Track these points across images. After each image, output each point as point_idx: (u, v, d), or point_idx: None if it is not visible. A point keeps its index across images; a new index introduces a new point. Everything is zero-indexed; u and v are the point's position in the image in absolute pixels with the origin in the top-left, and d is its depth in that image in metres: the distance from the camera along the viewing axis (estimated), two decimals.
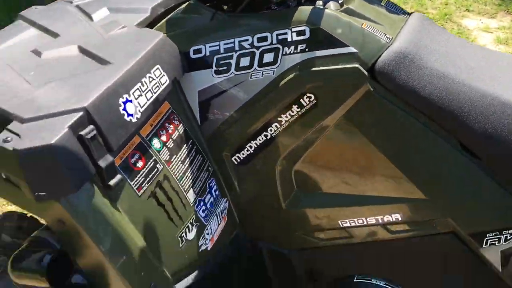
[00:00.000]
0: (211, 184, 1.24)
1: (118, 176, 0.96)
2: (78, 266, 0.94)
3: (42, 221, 1.51)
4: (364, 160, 1.13)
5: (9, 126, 0.89)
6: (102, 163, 0.92)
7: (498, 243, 1.07)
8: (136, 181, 1.03)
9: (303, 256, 1.30)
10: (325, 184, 1.19)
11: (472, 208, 1.08)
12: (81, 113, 0.91)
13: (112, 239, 0.93)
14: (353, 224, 1.19)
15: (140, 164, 1.05)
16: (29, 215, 1.36)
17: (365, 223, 1.17)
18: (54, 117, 0.90)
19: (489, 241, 1.07)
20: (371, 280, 1.23)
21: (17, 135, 0.87)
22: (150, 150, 1.08)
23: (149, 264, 0.99)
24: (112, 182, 0.94)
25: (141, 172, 1.05)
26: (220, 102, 1.22)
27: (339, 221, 1.20)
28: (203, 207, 1.20)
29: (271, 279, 1.36)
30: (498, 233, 1.06)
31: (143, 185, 1.05)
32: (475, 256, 1.10)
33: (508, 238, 1.06)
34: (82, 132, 0.90)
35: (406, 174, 1.09)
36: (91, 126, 0.92)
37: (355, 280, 1.26)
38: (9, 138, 0.87)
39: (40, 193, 0.85)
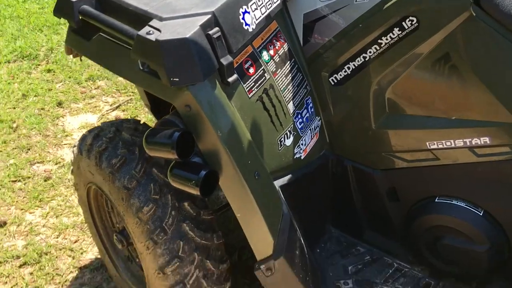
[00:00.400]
0: (308, 101, 1.35)
1: (235, 76, 1.09)
2: (198, 148, 1.09)
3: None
4: (458, 84, 1.18)
5: (150, 23, 1.04)
6: (224, 61, 1.05)
7: None
8: (247, 84, 1.17)
9: (387, 176, 1.39)
10: (416, 107, 1.26)
11: None
12: (209, 16, 1.04)
13: (227, 127, 1.07)
14: (440, 146, 1.26)
15: (251, 70, 1.18)
16: (142, 121, 1.54)
17: (452, 145, 1.24)
18: (187, 18, 1.04)
19: None
20: (452, 201, 1.31)
21: (158, 30, 1.02)
22: (260, 60, 1.20)
23: (255, 155, 1.13)
24: (230, 79, 1.07)
25: (252, 78, 1.18)
26: (322, 27, 1.31)
27: (427, 143, 1.27)
28: (300, 120, 1.32)
29: (353, 195, 1.46)
30: None
31: (253, 89, 1.18)
32: None
33: None
34: (210, 32, 1.03)
35: (500, 99, 1.14)
36: (217, 28, 1.05)
37: (436, 201, 1.34)
38: (151, 32, 1.02)
39: (174, 79, 1.00)
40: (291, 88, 1.29)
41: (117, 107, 2.78)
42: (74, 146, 1.58)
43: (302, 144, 1.33)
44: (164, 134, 1.07)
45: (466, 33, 1.13)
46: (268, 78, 1.22)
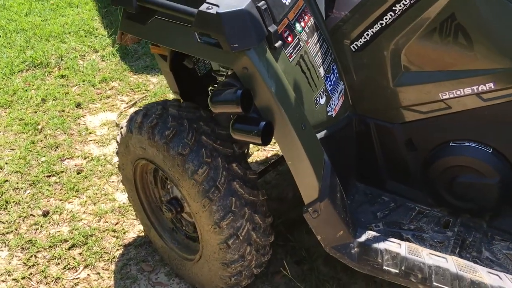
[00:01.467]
0: (333, 67, 1.55)
1: (280, 42, 1.29)
2: (254, 106, 1.28)
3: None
4: (463, 39, 1.39)
5: (208, 0, 1.23)
6: (271, 29, 1.25)
7: None
8: (287, 50, 1.36)
9: (405, 129, 1.60)
10: (428, 63, 1.47)
11: None
12: None
13: (278, 85, 1.26)
14: (451, 96, 1.47)
15: (289, 39, 1.38)
16: (183, 102, 1.73)
17: (462, 93, 1.45)
18: None
19: None
20: (464, 143, 1.52)
21: (216, 5, 1.21)
22: (295, 30, 1.40)
23: (301, 109, 1.33)
24: (276, 45, 1.27)
25: (291, 45, 1.37)
26: (340, 3, 1.52)
27: (439, 94, 1.48)
28: (329, 83, 1.52)
29: (375, 150, 1.66)
30: None
31: (292, 54, 1.37)
32: None
33: None
34: (259, 4, 1.23)
35: (501, 48, 1.35)
36: (263, 1, 1.24)
37: (450, 145, 1.55)
38: (210, 7, 1.21)
39: (234, 44, 1.19)
40: (320, 55, 1.49)
41: (133, 104, 2.95)
42: (121, 128, 1.75)
43: (332, 104, 1.53)
44: (229, 92, 1.26)
45: None
46: (303, 46, 1.42)
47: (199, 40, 1.29)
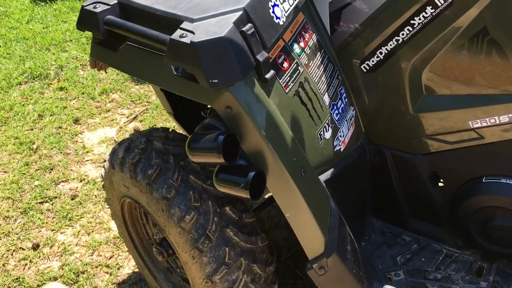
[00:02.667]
0: (341, 91, 1.32)
1: (272, 71, 1.06)
2: (242, 151, 1.06)
3: (183, 133, 1.67)
4: (498, 58, 1.15)
5: (181, 26, 1.01)
6: (260, 57, 1.02)
7: None
8: (283, 79, 1.13)
9: (428, 160, 1.35)
10: (455, 86, 1.23)
11: None
12: (241, 12, 1.01)
13: (269, 125, 1.04)
14: (484, 124, 1.22)
15: (285, 65, 1.15)
16: (171, 129, 1.52)
17: (497, 122, 1.20)
18: (219, 16, 1.01)
19: None
20: (500, 180, 1.27)
21: (191, 32, 0.99)
22: (292, 54, 1.17)
23: (299, 152, 1.10)
24: (267, 76, 1.04)
25: (287, 72, 1.15)
26: (348, 14, 1.28)
27: (470, 122, 1.24)
28: (336, 111, 1.29)
29: (393, 183, 1.43)
30: None
31: (289, 84, 1.14)
32: None
33: None
34: (244, 28, 1.00)
35: None
36: (250, 24, 1.02)
37: (483, 181, 1.30)
38: (184, 34, 0.99)
39: (213, 80, 0.97)
40: (324, 79, 1.25)
41: (134, 118, 2.76)
42: (105, 161, 1.56)
43: (340, 136, 1.30)
44: (208, 139, 1.04)
45: (502, 6, 1.09)
46: (302, 72, 1.19)
47: (174, 72, 1.07)
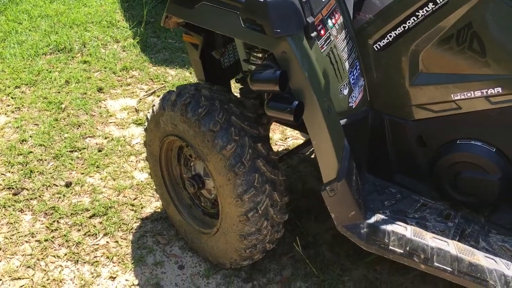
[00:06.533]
0: (356, 63, 1.70)
1: (315, 32, 1.44)
2: (289, 87, 1.43)
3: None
4: (477, 46, 1.55)
5: None
6: (309, 20, 1.40)
7: None
8: (320, 42, 1.51)
9: (417, 125, 1.74)
10: (444, 66, 1.62)
11: None
12: None
13: (311, 70, 1.41)
14: (462, 97, 1.62)
15: (322, 32, 1.52)
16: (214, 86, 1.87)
17: (472, 95, 1.60)
18: None
19: None
20: (471, 142, 1.67)
21: None
22: (327, 25, 1.55)
23: (328, 94, 1.47)
24: (312, 34, 1.42)
25: (323, 38, 1.52)
26: (368, 4, 1.67)
27: (452, 95, 1.63)
28: (352, 77, 1.67)
29: (387, 144, 1.81)
30: None
31: (323, 46, 1.52)
32: None
33: None
34: None
35: (508, 57, 1.51)
36: None
37: (457, 143, 1.69)
38: None
39: (277, 30, 1.34)
40: (346, 50, 1.64)
41: (152, 93, 3.08)
42: (153, 106, 1.89)
43: (353, 96, 1.68)
44: (268, 72, 1.40)
45: (484, 6, 1.50)
46: (332, 40, 1.57)
47: (243, 25, 1.43)
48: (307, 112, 1.44)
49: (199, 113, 1.68)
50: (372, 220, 1.65)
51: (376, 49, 1.69)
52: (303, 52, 1.40)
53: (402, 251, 1.56)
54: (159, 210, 2.25)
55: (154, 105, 1.89)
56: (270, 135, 2.74)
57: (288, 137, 2.76)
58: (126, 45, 3.61)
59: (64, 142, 2.62)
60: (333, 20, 1.59)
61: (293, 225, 2.17)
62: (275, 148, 2.70)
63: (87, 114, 2.86)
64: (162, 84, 3.19)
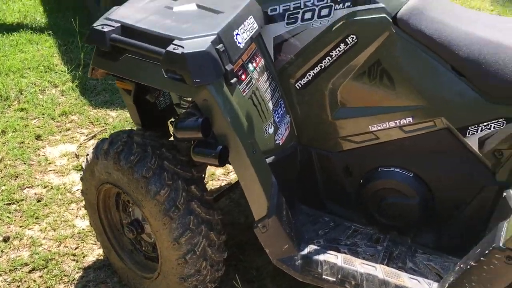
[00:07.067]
0: (280, 102, 1.80)
1: (235, 79, 1.52)
2: (212, 132, 1.49)
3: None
4: (387, 81, 1.67)
5: (174, 42, 1.45)
6: (228, 67, 1.48)
7: (476, 132, 1.61)
8: (241, 86, 1.59)
9: (342, 156, 1.84)
10: (360, 100, 1.74)
11: (459, 110, 1.62)
12: (216, 36, 1.47)
13: (232, 114, 1.48)
14: (378, 128, 1.74)
15: (243, 76, 1.61)
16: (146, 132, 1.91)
17: (387, 126, 1.72)
18: (201, 38, 1.47)
19: (470, 131, 1.62)
20: (390, 169, 1.78)
21: (181, 46, 1.43)
22: (247, 70, 1.64)
23: (252, 136, 1.54)
24: (232, 81, 1.50)
25: (244, 82, 1.61)
26: (287, 46, 1.78)
27: (369, 126, 1.75)
28: (277, 115, 1.76)
29: (316, 175, 1.90)
30: (476, 126, 1.61)
31: (245, 90, 1.60)
32: (461, 143, 1.65)
33: (483, 129, 1.60)
34: (217, 47, 1.46)
35: (416, 88, 1.64)
36: (221, 44, 1.48)
37: (379, 170, 1.80)
38: (176, 48, 1.43)
39: (196, 80, 1.41)
40: (269, 91, 1.73)
41: (93, 137, 3.08)
42: (87, 155, 1.91)
43: (279, 134, 1.76)
44: (191, 120, 1.46)
45: (390, 45, 1.63)
46: (254, 83, 1.65)
47: (165, 76, 1.49)
48: (232, 155, 1.51)
49: (132, 161, 1.71)
50: (306, 251, 1.71)
51: (298, 88, 1.79)
52: (224, 98, 1.47)
53: (334, 279, 1.64)
54: (101, 257, 2.23)
55: (88, 154, 1.91)
56: (213, 170, 2.79)
57: (231, 171, 2.82)
58: (64, 89, 3.59)
59: (1, 195, 2.56)
60: (254, 64, 1.68)
61: (236, 260, 2.21)
62: (217, 183, 2.75)
63: (25, 163, 2.82)
64: (103, 126, 3.19)
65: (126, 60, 1.58)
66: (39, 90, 3.57)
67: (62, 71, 3.82)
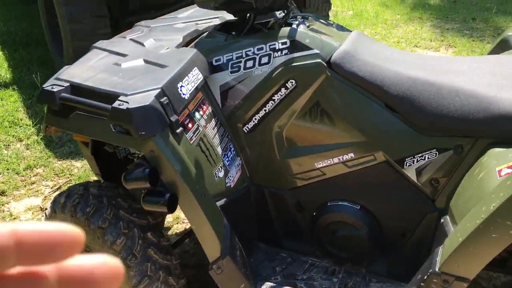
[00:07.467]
0: (230, 146, 1.88)
1: (181, 128, 1.60)
2: (161, 181, 1.56)
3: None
4: (327, 121, 1.78)
5: (119, 98, 1.53)
6: (172, 119, 1.56)
7: (413, 164, 1.72)
8: (188, 135, 1.67)
9: (293, 193, 1.93)
10: (304, 140, 1.84)
11: (395, 143, 1.73)
12: (159, 90, 1.56)
13: (179, 162, 1.56)
14: (324, 165, 1.83)
15: (190, 125, 1.69)
16: (103, 182, 1.97)
17: (332, 162, 1.82)
18: (145, 92, 1.55)
19: (407, 163, 1.73)
20: (338, 203, 1.87)
21: (126, 102, 1.51)
22: (194, 118, 1.73)
23: (200, 182, 1.62)
24: (178, 131, 1.58)
25: (191, 130, 1.69)
26: (233, 93, 1.88)
27: (315, 163, 1.84)
28: (227, 159, 1.84)
29: (271, 213, 1.97)
30: (412, 157, 1.72)
31: (192, 138, 1.69)
32: (400, 174, 1.75)
33: (418, 160, 1.72)
34: (161, 100, 1.55)
35: (354, 126, 1.75)
36: (165, 97, 1.56)
37: (328, 204, 1.89)
38: (121, 104, 1.51)
39: (142, 132, 1.49)
40: (217, 137, 1.81)
41: (58, 188, 3.10)
42: (46, 209, 1.95)
43: (230, 176, 1.84)
44: (138, 171, 1.53)
45: (326, 87, 1.75)
46: (201, 130, 1.74)
47: (113, 130, 1.57)
48: (182, 201, 1.58)
49: (88, 212, 1.76)
50: None
51: (246, 131, 1.89)
52: (170, 148, 1.55)
53: None
54: None
55: (46, 209, 1.95)
56: (177, 213, 2.83)
57: None
58: (29, 143, 3.62)
59: None
60: (201, 112, 1.77)
61: None
62: (182, 226, 2.79)
63: None
64: (68, 178, 3.22)
65: (76, 117, 1.66)
66: (4, 145, 3.59)
67: (27, 125, 3.86)
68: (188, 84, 1.69)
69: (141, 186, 1.53)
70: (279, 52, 1.77)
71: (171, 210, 1.54)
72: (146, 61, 1.78)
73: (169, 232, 2.72)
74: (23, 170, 3.29)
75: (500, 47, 2.12)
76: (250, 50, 1.81)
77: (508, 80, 1.65)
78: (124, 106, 1.50)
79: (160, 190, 1.57)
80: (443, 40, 5.47)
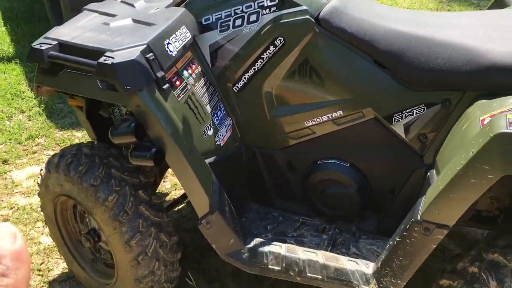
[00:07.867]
0: (220, 105, 1.89)
1: (167, 84, 1.61)
2: (148, 136, 1.57)
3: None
4: (317, 78, 1.78)
5: (105, 54, 1.54)
6: (158, 74, 1.57)
7: (401, 119, 1.72)
8: (176, 92, 1.68)
9: (284, 153, 1.94)
10: (293, 98, 1.84)
11: (383, 99, 1.73)
12: (145, 45, 1.57)
13: (166, 118, 1.57)
14: (313, 123, 1.84)
15: (178, 83, 1.70)
16: (96, 143, 1.99)
17: (321, 120, 1.82)
18: (131, 48, 1.56)
19: (395, 119, 1.72)
20: (328, 161, 1.88)
21: (111, 57, 1.52)
22: (182, 76, 1.73)
23: (188, 137, 1.63)
24: (164, 87, 1.59)
25: (179, 88, 1.70)
26: (222, 52, 1.88)
27: (305, 122, 1.84)
28: (216, 118, 1.85)
29: (262, 173, 1.99)
30: (400, 113, 1.71)
31: (180, 95, 1.70)
32: (389, 130, 1.75)
33: (407, 115, 1.71)
34: (147, 56, 1.55)
35: (343, 83, 1.75)
36: (151, 53, 1.57)
37: (318, 163, 1.90)
38: (106, 59, 1.52)
39: (127, 87, 1.50)
40: (206, 95, 1.82)
41: None
42: (41, 170, 1.98)
43: (220, 135, 1.85)
44: (124, 126, 1.55)
45: (315, 44, 1.74)
46: (190, 88, 1.75)
47: (100, 86, 1.58)
48: (169, 156, 1.60)
49: (80, 171, 1.79)
50: (252, 244, 1.79)
51: (236, 91, 1.89)
52: (156, 103, 1.56)
53: (279, 268, 1.71)
54: (66, 271, 2.29)
55: (41, 170, 1.98)
56: (175, 179, 2.86)
57: None
58: (31, 114, 3.66)
59: None
60: (190, 71, 1.78)
61: (197, 263, 2.28)
62: (180, 192, 2.82)
63: None
64: None
65: (65, 75, 1.67)
66: (6, 117, 3.63)
67: (29, 97, 3.89)
68: (175, 41, 1.70)
69: (128, 140, 1.55)
70: (268, 10, 1.76)
71: (158, 163, 1.56)
72: (134, 20, 1.78)
73: (167, 198, 2.75)
74: (25, 140, 3.33)
75: (496, 6, 2.09)
76: (239, 8, 1.80)
77: (497, 32, 1.63)
78: (110, 61, 1.51)
79: (147, 144, 1.58)
80: (450, 9, 5.39)
